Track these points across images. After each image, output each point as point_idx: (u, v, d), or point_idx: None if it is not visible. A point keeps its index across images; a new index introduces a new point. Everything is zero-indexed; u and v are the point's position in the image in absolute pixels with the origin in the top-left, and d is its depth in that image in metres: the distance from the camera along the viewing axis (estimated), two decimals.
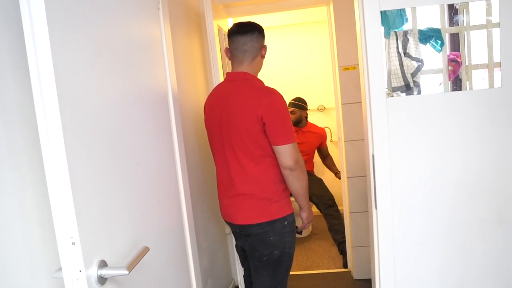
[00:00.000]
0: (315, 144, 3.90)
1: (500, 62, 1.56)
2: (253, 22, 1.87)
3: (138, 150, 1.22)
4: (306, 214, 1.92)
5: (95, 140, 0.96)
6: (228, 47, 1.88)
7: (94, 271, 0.89)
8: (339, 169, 3.70)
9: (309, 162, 3.90)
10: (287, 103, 3.74)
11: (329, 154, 4.00)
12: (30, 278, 0.94)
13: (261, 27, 1.88)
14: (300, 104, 3.83)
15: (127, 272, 0.91)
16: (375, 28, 1.49)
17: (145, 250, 1.05)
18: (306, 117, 3.88)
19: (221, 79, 2.39)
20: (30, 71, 0.79)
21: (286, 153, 1.70)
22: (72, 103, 0.87)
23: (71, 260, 0.84)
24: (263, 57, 1.89)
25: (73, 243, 0.85)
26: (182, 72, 2.16)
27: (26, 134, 0.95)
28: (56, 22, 0.83)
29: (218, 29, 2.51)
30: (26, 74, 0.81)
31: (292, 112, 3.74)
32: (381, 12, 1.52)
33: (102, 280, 0.91)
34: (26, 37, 0.79)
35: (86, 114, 0.93)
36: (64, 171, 0.82)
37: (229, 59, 1.90)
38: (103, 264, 0.92)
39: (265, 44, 1.90)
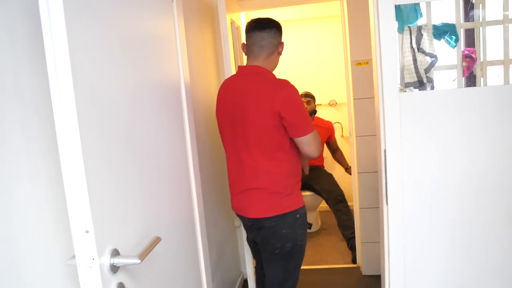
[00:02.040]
0: (324, 138, 3.89)
1: None
2: (271, 19, 1.87)
3: (151, 141, 1.23)
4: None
5: (110, 130, 0.97)
6: (245, 42, 1.88)
7: (107, 260, 0.91)
8: (349, 165, 3.68)
9: (319, 157, 3.89)
10: (300, 94, 3.74)
11: (338, 148, 3.99)
12: (44, 265, 0.96)
13: (279, 24, 1.88)
14: (312, 94, 3.84)
15: (139, 261, 0.92)
16: (389, 23, 1.47)
17: (157, 240, 1.06)
18: (316, 111, 3.87)
19: (233, 73, 2.39)
20: (46, 57, 0.80)
21: (308, 143, 1.75)
22: (88, 92, 0.88)
23: (84, 248, 0.86)
24: (279, 54, 1.89)
25: (87, 231, 0.86)
26: (194, 65, 2.17)
27: (42, 121, 0.97)
28: (73, 9, 0.83)
29: (231, 23, 2.51)
30: (43, 61, 0.81)
31: (308, 102, 3.74)
32: (395, 6, 1.51)
33: (114, 268, 0.92)
34: (43, 23, 0.79)
35: (101, 103, 0.94)
36: (79, 160, 0.83)
37: (245, 54, 1.90)
38: (115, 253, 0.93)
39: (282, 41, 1.89)
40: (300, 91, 4.17)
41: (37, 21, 0.82)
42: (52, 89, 0.81)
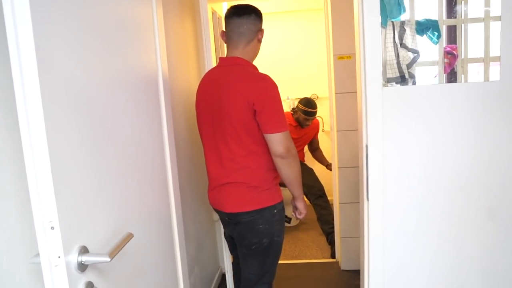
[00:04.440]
0: (311, 137, 3.87)
1: (498, 56, 1.53)
2: (250, 5, 1.82)
3: (126, 134, 1.17)
4: (302, 204, 1.88)
5: (79, 120, 0.92)
6: (224, 30, 1.83)
7: (74, 258, 0.85)
8: (329, 160, 3.67)
9: (300, 152, 3.87)
10: (303, 106, 3.63)
11: (319, 147, 3.98)
12: (7, 263, 0.91)
13: (258, 10, 1.83)
14: (316, 111, 3.68)
15: (108, 259, 0.87)
16: (374, 16, 1.45)
17: (129, 236, 1.01)
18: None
19: (214, 65, 2.33)
20: (9, 45, 0.74)
21: (278, 141, 1.66)
22: (54, 81, 0.82)
23: (49, 246, 0.80)
24: (259, 41, 1.84)
25: (52, 228, 0.80)
26: (173, 56, 2.11)
27: (5, 110, 0.91)
28: None
29: (212, 13, 2.45)
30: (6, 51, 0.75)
31: (311, 120, 3.66)
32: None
33: (82, 266, 0.87)
34: (5, 8, 0.73)
35: (70, 92, 0.88)
36: (43, 152, 0.78)
37: (225, 42, 1.85)
38: (84, 250, 0.88)
39: (262, 28, 1.84)
40: (285, 86, 4.13)
41: None
42: (15, 77, 0.75)
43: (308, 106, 3.61)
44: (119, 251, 0.93)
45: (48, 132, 0.78)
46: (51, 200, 0.80)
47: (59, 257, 0.82)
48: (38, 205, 0.79)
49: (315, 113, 3.64)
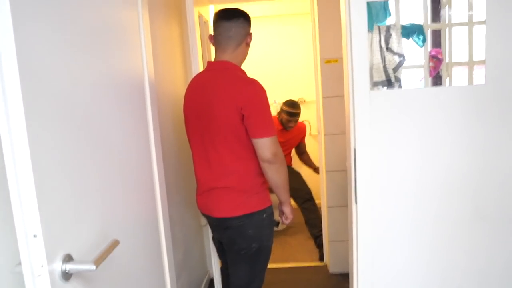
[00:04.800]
0: (298, 141, 3.87)
1: (483, 60, 1.55)
2: (239, 9, 1.81)
3: (110, 139, 1.15)
4: (289, 209, 1.87)
5: (63, 126, 0.89)
6: (212, 33, 1.81)
7: (58, 266, 0.83)
8: (317, 164, 3.68)
9: (287, 156, 3.87)
10: (287, 107, 3.64)
11: (306, 151, 3.98)
12: None
13: (247, 14, 1.82)
14: (300, 108, 3.72)
15: (94, 267, 0.85)
16: (361, 19, 1.46)
17: (115, 243, 0.99)
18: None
19: (201, 69, 2.32)
20: None
21: (265, 146, 1.65)
22: (36, 85, 0.80)
23: (32, 254, 0.78)
24: (248, 45, 1.83)
25: (35, 236, 0.78)
26: (160, 60, 2.09)
27: None
28: None
29: (199, 16, 2.44)
30: None
31: (296, 121, 3.68)
32: (367, 3, 1.49)
33: (67, 275, 0.85)
34: None
35: (52, 96, 0.86)
36: (25, 157, 0.75)
37: (213, 46, 1.84)
38: (68, 258, 0.86)
39: (251, 32, 1.84)
40: (271, 90, 4.11)
41: None
42: None
43: (291, 107, 3.63)
44: (104, 258, 0.91)
45: (30, 136, 0.76)
46: (33, 207, 0.77)
47: (42, 266, 0.79)
48: (20, 212, 0.77)
49: (297, 114, 3.65)
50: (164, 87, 2.14)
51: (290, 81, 4.46)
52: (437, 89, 1.58)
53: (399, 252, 1.57)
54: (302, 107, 4.50)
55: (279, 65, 4.47)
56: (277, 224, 3.95)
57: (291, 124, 3.67)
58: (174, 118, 2.25)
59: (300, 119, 4.18)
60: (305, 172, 4.00)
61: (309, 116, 4.49)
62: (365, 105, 1.47)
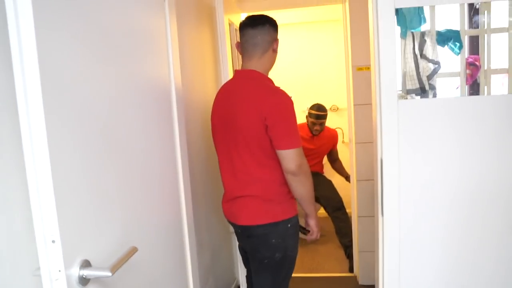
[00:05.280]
0: (329, 148, 3.82)
1: None
2: (265, 15, 1.80)
3: (135, 145, 1.17)
4: (314, 221, 1.83)
5: (84, 132, 0.91)
6: (239, 41, 1.82)
7: (76, 271, 0.85)
8: (348, 172, 3.61)
9: (319, 164, 3.82)
10: (311, 110, 3.63)
11: (338, 158, 3.91)
12: (11, 275, 0.90)
13: (273, 20, 1.80)
14: (326, 112, 3.68)
15: (110, 274, 0.86)
16: (389, 26, 1.42)
17: (133, 250, 1.00)
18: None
19: (231, 76, 2.33)
20: (12, 56, 0.75)
21: (289, 158, 1.61)
22: (58, 93, 0.82)
23: (50, 259, 0.80)
24: (275, 51, 1.81)
25: (53, 241, 0.80)
26: (190, 67, 2.11)
27: (14, 120, 0.91)
28: (42, 3, 0.78)
29: (230, 24, 2.46)
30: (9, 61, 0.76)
31: (321, 124, 3.63)
32: (397, 10, 1.45)
33: (84, 280, 0.86)
34: (8, 16, 0.74)
35: (73, 103, 0.88)
36: (45, 164, 0.78)
37: (240, 53, 1.84)
38: (86, 264, 0.87)
39: (277, 38, 1.82)
40: (304, 97, 4.10)
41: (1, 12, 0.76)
42: (18, 89, 0.76)
43: (315, 109, 3.62)
44: (121, 265, 0.92)
45: (50, 143, 0.78)
46: (52, 213, 0.79)
47: (59, 270, 0.81)
48: (39, 218, 0.79)
49: (321, 116, 3.61)
50: (193, 94, 2.17)
51: (323, 88, 4.42)
52: (467, 98, 1.52)
53: (427, 265, 1.52)
54: (335, 114, 4.48)
55: (311, 72, 4.44)
56: (307, 232, 3.91)
57: (317, 128, 3.62)
58: (203, 125, 2.27)
59: (333, 126, 4.14)
60: (337, 180, 3.94)
61: (342, 123, 4.43)
62: (393, 115, 1.43)
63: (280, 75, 4.50)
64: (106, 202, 0.99)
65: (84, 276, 0.86)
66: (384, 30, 1.42)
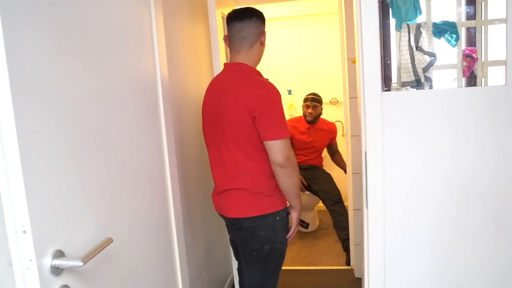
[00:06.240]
0: (326, 141, 3.81)
1: None
2: (252, 8, 1.79)
3: (114, 139, 1.18)
4: (297, 214, 1.82)
5: (58, 126, 0.93)
6: (227, 34, 1.82)
7: (48, 261, 0.87)
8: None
9: (318, 157, 3.82)
10: (307, 97, 3.70)
11: (338, 151, 3.91)
12: None
13: (260, 12, 1.79)
14: (321, 99, 3.73)
15: (81, 264, 0.88)
16: (372, 17, 1.42)
17: (108, 241, 1.01)
18: (321, 113, 3.79)
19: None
20: None
21: (276, 149, 1.61)
22: (28, 86, 0.84)
23: (21, 249, 0.82)
24: (262, 44, 1.80)
25: (24, 232, 0.82)
26: (183, 60, 2.12)
27: None
28: None
29: (223, 17, 2.45)
30: None
31: (314, 108, 3.66)
32: (391, 2, 1.44)
33: (57, 270, 0.88)
34: None
35: (46, 98, 0.89)
36: (14, 152, 0.79)
37: (228, 47, 1.84)
38: (59, 254, 0.89)
39: (264, 31, 1.81)
40: (304, 89, 4.10)
41: None
42: None
43: (307, 94, 3.73)
44: (94, 256, 0.94)
45: (20, 133, 0.80)
46: (22, 204, 0.81)
47: (31, 260, 0.83)
48: (9, 209, 0.81)
49: (314, 99, 3.67)
50: (187, 88, 2.17)
51: (323, 81, 4.40)
52: (450, 91, 1.51)
53: (412, 259, 1.52)
54: (334, 107, 4.47)
55: (311, 65, 4.42)
56: (307, 225, 3.91)
57: (310, 111, 3.65)
58: (197, 119, 2.28)
59: (333, 119, 4.14)
60: (336, 173, 3.94)
61: (341, 116, 4.41)
62: (377, 107, 1.44)
63: (280, 68, 4.51)
64: (83, 194, 1.01)
65: (56, 266, 0.88)
66: (366, 21, 1.42)
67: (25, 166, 0.81)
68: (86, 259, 0.90)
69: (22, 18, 0.83)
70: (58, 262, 0.88)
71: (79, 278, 0.96)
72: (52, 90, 0.92)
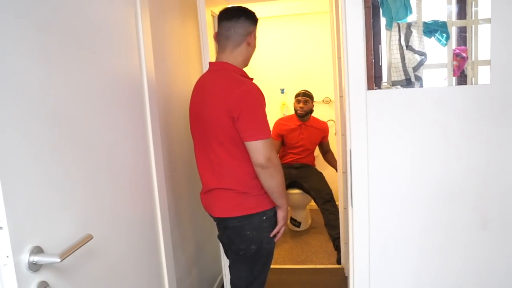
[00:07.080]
0: (318, 140, 3.82)
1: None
2: (243, 7, 1.75)
3: (97, 137, 1.18)
4: (283, 214, 1.78)
5: (36, 123, 0.93)
6: (217, 31, 1.80)
7: (26, 257, 0.87)
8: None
9: (310, 156, 3.83)
10: (298, 93, 3.75)
11: (330, 150, 3.92)
12: None
13: (251, 13, 1.75)
14: (311, 95, 3.78)
15: (58, 260, 0.88)
16: (356, 17, 1.43)
17: (87, 238, 1.01)
18: (312, 111, 3.80)
19: None
20: None
21: (257, 150, 1.58)
22: (7, 80, 0.84)
23: None
24: (249, 45, 1.75)
25: (1, 228, 0.82)
26: (172, 60, 2.12)
27: None
28: None
29: (213, 16, 2.46)
30: None
31: (305, 102, 3.70)
32: (382, 1, 1.45)
33: (35, 266, 0.88)
34: None
35: (25, 95, 0.90)
36: None
37: (217, 45, 1.83)
38: (37, 250, 0.89)
39: (254, 31, 1.77)
40: (296, 88, 4.11)
41: None
42: None
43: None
44: (72, 252, 0.94)
45: None
46: None
47: (7, 256, 0.83)
48: None
49: (305, 94, 3.73)
50: (176, 87, 2.17)
51: (316, 80, 4.40)
52: (435, 89, 1.52)
53: (398, 259, 1.53)
54: (327, 106, 4.48)
55: (304, 64, 4.42)
56: (299, 224, 3.93)
57: (301, 105, 3.70)
58: (186, 117, 2.28)
59: (326, 118, 4.15)
60: (329, 172, 3.95)
61: (334, 115, 4.42)
62: (361, 106, 1.44)
63: (273, 67, 4.52)
64: (63, 192, 1.01)
65: (34, 262, 0.88)
66: (351, 20, 1.43)
67: (1, 162, 0.81)
68: (64, 255, 0.90)
69: (1, 15, 0.83)
70: (36, 258, 0.88)
71: (58, 274, 0.96)
72: (32, 88, 0.92)
